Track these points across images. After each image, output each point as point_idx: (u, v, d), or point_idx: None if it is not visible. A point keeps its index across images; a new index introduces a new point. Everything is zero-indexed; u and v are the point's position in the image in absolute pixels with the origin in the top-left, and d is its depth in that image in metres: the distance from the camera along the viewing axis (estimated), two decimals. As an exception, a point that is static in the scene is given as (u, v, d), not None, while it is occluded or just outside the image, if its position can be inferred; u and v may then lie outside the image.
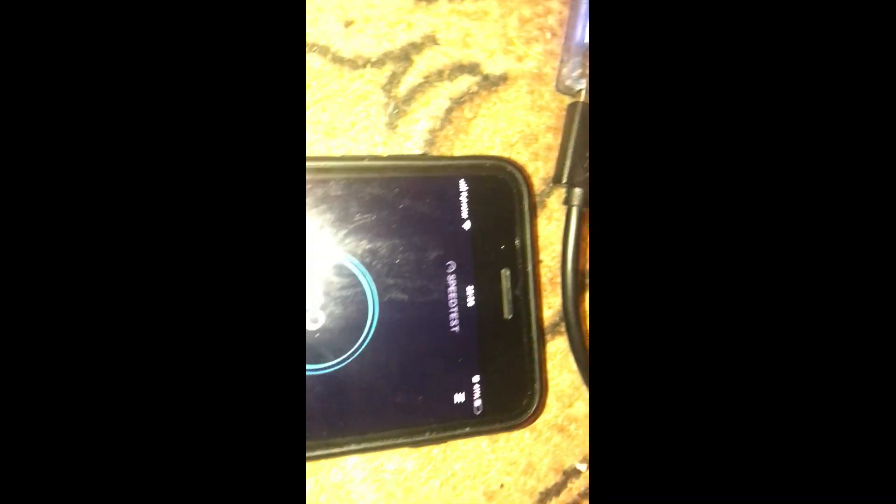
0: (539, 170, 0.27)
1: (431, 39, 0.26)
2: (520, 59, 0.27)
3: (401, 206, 0.24)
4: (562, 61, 0.26)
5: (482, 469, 0.26)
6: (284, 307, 0.15)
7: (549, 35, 0.27)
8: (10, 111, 0.14)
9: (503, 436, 0.26)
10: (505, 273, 0.25)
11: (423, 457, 0.26)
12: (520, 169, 0.25)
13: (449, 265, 0.24)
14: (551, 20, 0.27)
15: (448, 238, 0.24)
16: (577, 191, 0.25)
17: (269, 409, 0.15)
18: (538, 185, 0.27)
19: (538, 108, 0.27)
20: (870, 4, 0.15)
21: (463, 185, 0.24)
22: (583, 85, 0.26)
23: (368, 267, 0.23)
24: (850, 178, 0.15)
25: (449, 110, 0.26)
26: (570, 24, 0.26)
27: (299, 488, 0.15)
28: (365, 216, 0.23)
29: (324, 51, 0.25)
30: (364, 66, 0.25)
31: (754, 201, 0.16)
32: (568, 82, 0.26)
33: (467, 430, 0.24)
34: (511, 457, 0.27)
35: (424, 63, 0.26)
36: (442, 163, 0.25)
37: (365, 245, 0.23)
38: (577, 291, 0.26)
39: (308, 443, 0.23)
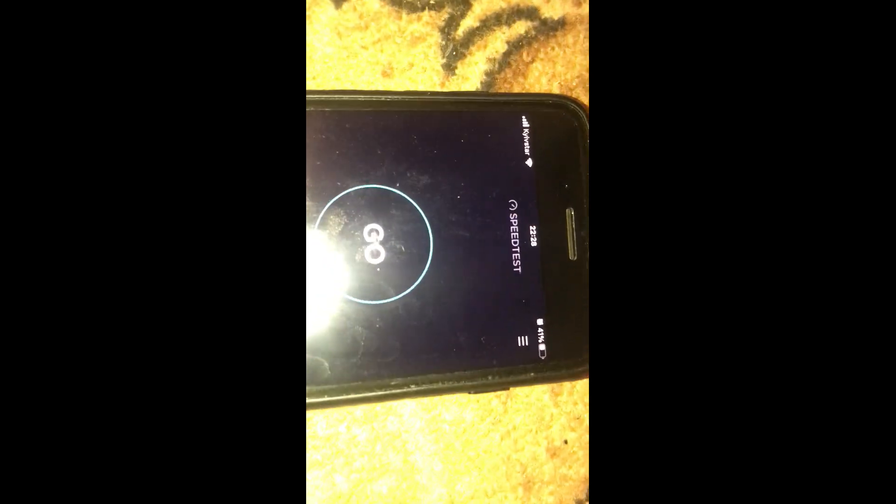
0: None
1: (489, -17, 0.26)
2: (578, 3, 0.27)
3: (461, 142, 0.23)
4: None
5: (545, 423, 0.25)
6: (283, 283, 0.14)
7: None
8: (9, 111, 0.13)
9: (566, 388, 0.25)
10: (569, 212, 0.24)
11: (483, 408, 0.24)
12: (582, 107, 0.24)
13: (511, 203, 0.23)
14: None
15: (510, 175, 0.24)
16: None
17: (268, 398, 0.14)
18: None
19: (597, 53, 0.26)
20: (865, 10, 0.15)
21: (525, 122, 0.24)
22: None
23: (427, 202, 0.23)
24: (844, 190, 0.15)
25: (507, 53, 0.26)
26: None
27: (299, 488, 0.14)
28: (424, 150, 0.23)
29: (381, -5, 0.25)
30: (423, 8, 0.25)
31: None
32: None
33: (531, 375, 0.23)
34: (575, 411, 0.25)
35: (482, 7, 0.26)
36: (503, 99, 0.24)
37: (425, 180, 0.23)
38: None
39: (365, 383, 0.22)
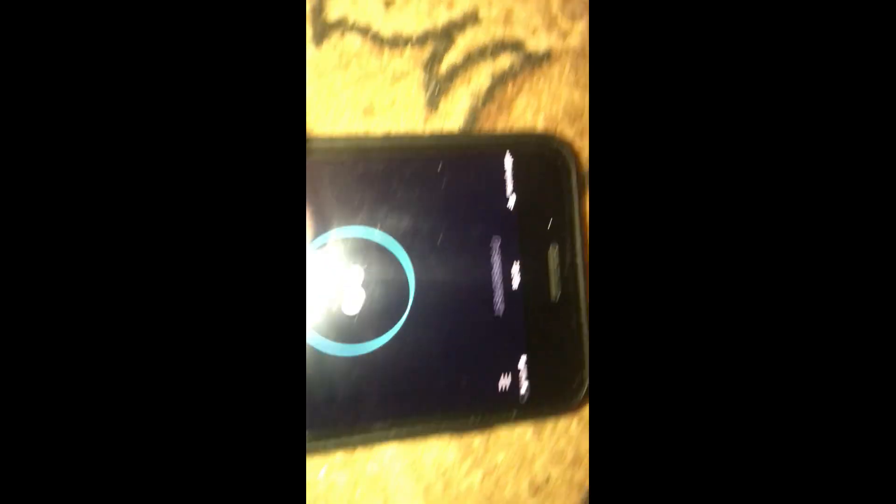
0: (585, 147, 0.26)
1: (473, 18, 0.25)
2: (564, 35, 0.26)
3: (444, 184, 0.23)
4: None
5: (527, 460, 0.25)
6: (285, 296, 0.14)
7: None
8: (9, 111, 0.14)
9: (549, 425, 0.25)
10: (552, 252, 0.24)
11: (465, 447, 0.24)
12: (566, 144, 0.24)
13: (493, 243, 0.23)
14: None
15: (493, 215, 0.23)
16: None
17: (268, 404, 0.14)
18: (585, 162, 0.26)
19: (583, 85, 0.26)
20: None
21: (508, 160, 0.24)
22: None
23: (408, 246, 0.23)
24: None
25: (491, 88, 0.25)
26: None
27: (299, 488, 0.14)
28: (406, 194, 0.23)
29: (364, 31, 0.24)
30: (405, 45, 0.25)
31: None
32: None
33: (513, 415, 0.23)
34: (558, 447, 0.25)
35: (466, 41, 0.25)
36: (485, 139, 0.24)
37: (406, 223, 0.23)
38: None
39: (345, 429, 0.22)
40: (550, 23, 0.26)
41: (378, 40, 0.25)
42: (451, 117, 0.25)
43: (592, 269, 0.16)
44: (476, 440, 0.24)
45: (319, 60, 0.24)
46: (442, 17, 0.25)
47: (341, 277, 0.22)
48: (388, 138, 0.23)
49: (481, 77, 0.25)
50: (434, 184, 0.23)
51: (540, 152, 0.24)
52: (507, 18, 0.26)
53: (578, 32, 0.26)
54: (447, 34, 0.25)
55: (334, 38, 0.24)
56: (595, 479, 0.15)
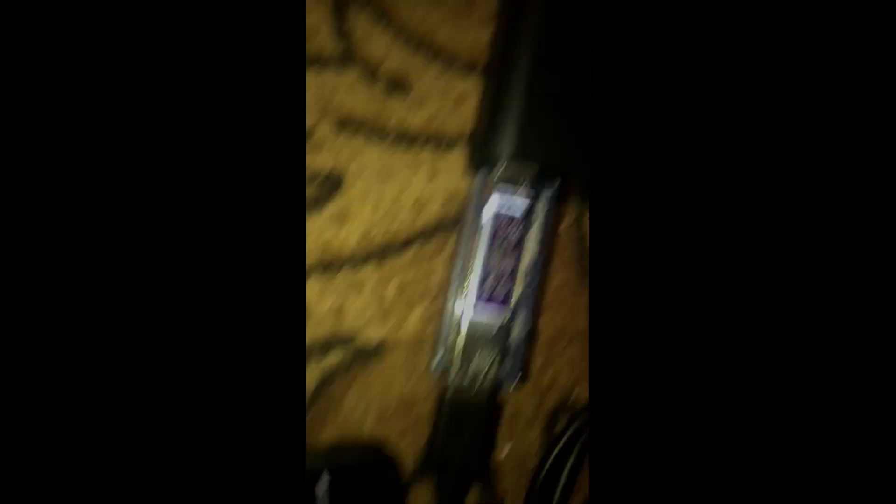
0: (415, 441, 0.26)
1: (303, 313, 0.25)
2: (398, 325, 0.26)
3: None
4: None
5: None
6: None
7: (432, 297, 0.26)
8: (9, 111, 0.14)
9: None
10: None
11: None
12: (392, 459, 0.24)
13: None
14: (434, 280, 0.26)
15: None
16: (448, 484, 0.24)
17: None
18: (411, 460, 0.26)
19: (416, 376, 0.26)
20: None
21: (323, 485, 0.23)
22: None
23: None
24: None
25: (320, 386, 0.25)
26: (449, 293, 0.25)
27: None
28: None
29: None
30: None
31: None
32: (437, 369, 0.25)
33: None
34: None
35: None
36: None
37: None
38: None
39: None
40: (384, 313, 0.26)
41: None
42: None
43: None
44: None
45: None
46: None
47: None
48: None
49: (309, 375, 0.25)
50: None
51: (363, 468, 0.24)
52: (339, 311, 0.25)
53: (415, 321, 0.26)
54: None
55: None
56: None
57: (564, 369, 0.27)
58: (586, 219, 0.27)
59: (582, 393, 0.27)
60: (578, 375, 0.27)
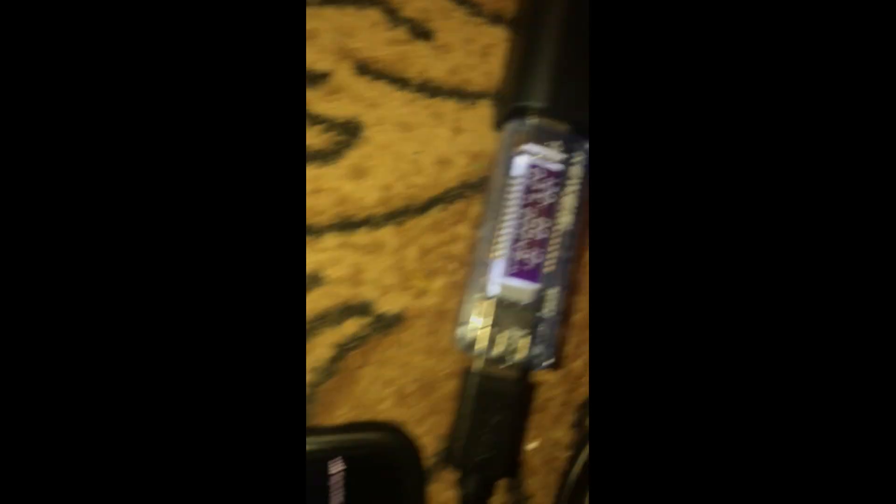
0: (438, 425, 0.24)
1: (315, 280, 0.23)
2: (419, 295, 0.24)
3: None
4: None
5: None
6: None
7: (456, 265, 0.24)
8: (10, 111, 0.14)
9: None
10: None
11: None
12: (410, 441, 0.22)
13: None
14: (458, 247, 0.24)
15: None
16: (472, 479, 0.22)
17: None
18: (433, 443, 0.23)
19: (438, 351, 0.24)
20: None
21: (339, 466, 0.21)
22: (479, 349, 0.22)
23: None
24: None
25: (334, 359, 0.23)
26: (476, 259, 0.23)
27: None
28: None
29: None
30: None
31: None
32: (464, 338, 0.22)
33: None
34: None
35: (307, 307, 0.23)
36: (311, 441, 0.21)
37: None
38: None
39: None
40: (405, 280, 0.23)
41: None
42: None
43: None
44: None
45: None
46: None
47: None
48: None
49: (322, 348, 0.23)
50: None
51: (379, 451, 0.22)
52: (356, 277, 0.23)
53: (436, 291, 0.24)
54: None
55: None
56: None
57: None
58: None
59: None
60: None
